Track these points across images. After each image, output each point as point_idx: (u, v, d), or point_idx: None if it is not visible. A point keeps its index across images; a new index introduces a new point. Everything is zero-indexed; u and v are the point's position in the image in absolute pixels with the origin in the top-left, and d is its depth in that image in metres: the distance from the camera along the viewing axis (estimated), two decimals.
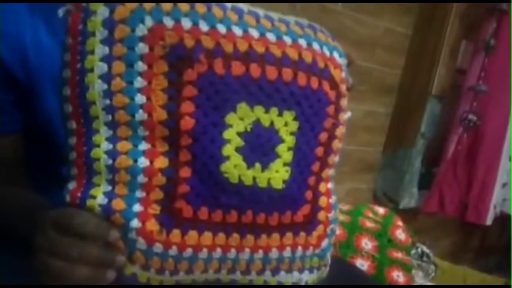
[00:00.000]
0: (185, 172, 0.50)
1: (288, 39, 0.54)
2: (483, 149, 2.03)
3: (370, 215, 1.35)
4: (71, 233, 0.46)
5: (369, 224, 1.28)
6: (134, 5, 0.47)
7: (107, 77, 0.47)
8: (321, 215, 0.59)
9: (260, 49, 0.51)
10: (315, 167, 0.57)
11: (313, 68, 0.55)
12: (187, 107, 0.48)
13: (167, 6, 0.48)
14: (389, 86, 2.05)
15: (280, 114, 0.53)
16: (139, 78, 0.47)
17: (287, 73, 0.53)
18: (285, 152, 0.54)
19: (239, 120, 0.51)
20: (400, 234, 1.29)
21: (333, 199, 0.61)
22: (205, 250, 0.52)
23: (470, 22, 2.04)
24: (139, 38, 0.47)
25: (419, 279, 1.25)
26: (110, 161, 0.48)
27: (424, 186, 2.13)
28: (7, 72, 0.62)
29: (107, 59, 0.47)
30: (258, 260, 0.55)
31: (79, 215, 0.47)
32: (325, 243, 0.60)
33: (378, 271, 1.16)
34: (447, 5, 1.96)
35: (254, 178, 0.52)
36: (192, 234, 0.51)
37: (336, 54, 0.59)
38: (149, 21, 0.47)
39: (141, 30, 0.47)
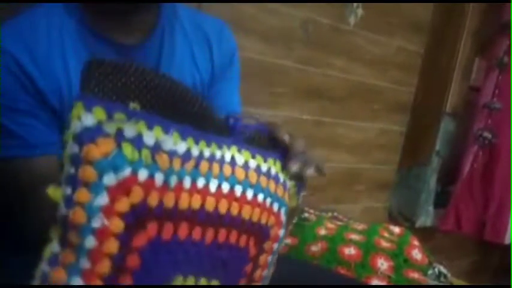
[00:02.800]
0: None
1: (238, 190, 0.52)
2: (499, 166, 2.01)
3: (386, 234, 1.34)
4: None
5: (385, 244, 1.27)
6: (110, 148, 0.41)
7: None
8: None
9: (210, 206, 0.49)
10: None
11: (246, 224, 0.54)
12: (126, 279, 0.44)
13: (148, 157, 0.43)
14: (403, 104, 2.05)
15: (208, 285, 0.52)
16: (90, 238, 0.42)
17: (222, 233, 0.51)
18: None
19: None
20: (417, 254, 1.28)
21: None
22: None
23: (482, 40, 2.04)
24: (105, 187, 0.41)
25: None
26: None
27: (440, 204, 2.10)
28: (42, 94, 0.65)
29: (68, 203, 0.42)
30: None
31: None
32: None
33: None
34: (459, 23, 1.97)
35: None
36: None
37: (282, 211, 0.58)
38: (123, 171, 0.42)
39: (109, 179, 0.41)
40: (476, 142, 2.02)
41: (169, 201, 0.45)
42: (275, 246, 0.59)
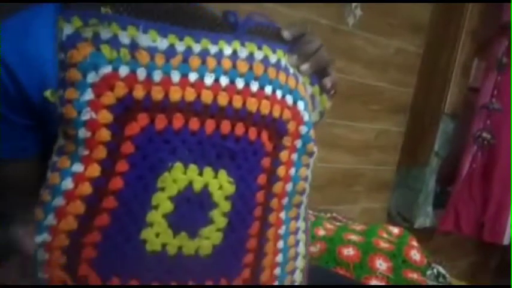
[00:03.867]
0: (94, 236, 0.48)
1: (239, 83, 0.53)
2: (498, 167, 2.01)
3: (385, 235, 1.34)
4: None
5: (383, 244, 1.27)
6: (88, 50, 0.48)
7: None
8: (265, 276, 0.56)
9: (206, 99, 0.51)
10: (254, 229, 0.55)
11: (254, 117, 0.53)
12: (122, 166, 0.48)
13: (126, 55, 0.48)
14: (402, 105, 2.05)
15: (215, 176, 0.51)
16: (83, 129, 0.48)
17: (225, 125, 0.52)
18: (219, 218, 0.52)
19: (172, 183, 0.49)
20: (415, 255, 1.27)
21: (280, 257, 0.58)
22: None
23: (481, 40, 2.04)
24: (89, 85, 0.47)
25: None
26: None
27: (439, 205, 2.10)
28: (25, 96, 0.63)
29: (61, 102, 0.48)
30: None
31: None
32: None
33: None
34: (458, 24, 1.97)
35: (180, 247, 0.50)
36: None
37: (300, 105, 0.57)
38: (104, 69, 0.48)
39: (92, 77, 0.48)
40: (475, 143, 2.02)
41: (157, 94, 0.48)
42: (298, 143, 0.57)
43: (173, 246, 0.50)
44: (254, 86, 0.53)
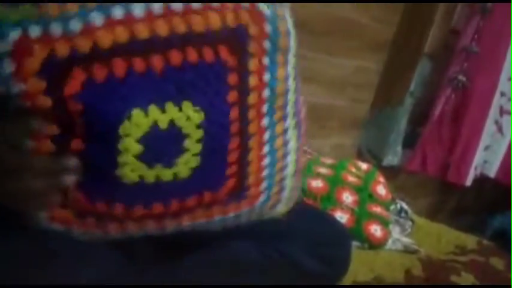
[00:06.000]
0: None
1: (177, 5, 0.47)
2: (469, 110, 2.04)
3: (353, 169, 1.36)
4: None
5: (351, 179, 1.30)
6: None
7: None
8: (251, 180, 0.56)
9: (142, 34, 0.45)
10: (233, 144, 0.53)
11: (205, 36, 0.48)
12: (77, 128, 0.46)
13: (31, 11, 0.42)
14: (382, 42, 2.02)
15: (180, 110, 0.48)
16: (19, 101, 0.44)
17: (175, 56, 0.47)
18: (193, 145, 0.50)
19: (136, 128, 0.47)
20: (381, 190, 1.31)
21: (267, 159, 0.57)
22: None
23: None
24: (4, 55, 0.42)
25: (396, 234, 1.28)
26: None
27: (408, 145, 2.14)
28: None
29: None
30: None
31: None
32: (259, 200, 0.59)
33: (356, 224, 1.18)
34: None
35: (157, 176, 0.49)
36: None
37: (262, 6, 0.52)
38: (13, 35, 0.42)
39: (3, 46, 0.42)
40: (450, 84, 2.03)
41: (82, 45, 0.44)
42: (266, 44, 0.52)
43: (150, 176, 0.49)
44: (196, 3, 0.48)
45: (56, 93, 0.44)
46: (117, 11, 0.45)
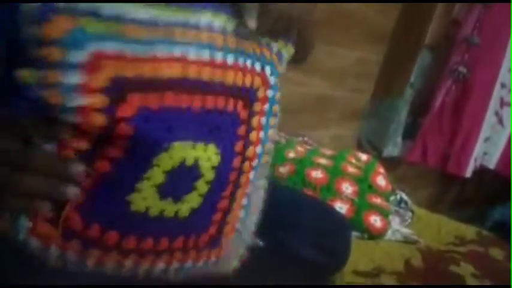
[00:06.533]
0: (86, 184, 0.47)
1: (218, 57, 0.51)
2: (470, 102, 2.04)
3: (353, 160, 1.36)
4: None
5: (351, 169, 1.29)
6: (67, 24, 0.40)
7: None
8: (227, 229, 0.59)
9: (192, 74, 0.48)
10: (227, 192, 0.57)
11: (232, 89, 0.53)
12: (118, 148, 0.46)
13: (113, 27, 0.43)
14: (382, 33, 2.01)
15: (205, 150, 0.51)
16: (72, 115, 0.43)
17: (209, 100, 0.51)
18: (202, 185, 0.53)
19: (169, 159, 0.48)
20: (381, 181, 1.31)
21: (242, 212, 0.61)
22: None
23: None
24: (76, 65, 0.41)
25: (395, 224, 1.28)
26: None
27: (408, 136, 2.14)
28: None
29: (41, 84, 0.42)
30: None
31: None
32: (225, 253, 0.61)
33: (356, 215, 1.18)
34: None
35: (162, 210, 0.50)
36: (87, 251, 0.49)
37: (267, 70, 0.58)
38: (91, 46, 0.42)
39: (77, 56, 0.41)
40: (451, 76, 2.02)
41: (147, 71, 0.45)
42: (266, 107, 0.59)
43: (156, 208, 0.50)
44: (230, 59, 0.53)
45: (110, 113, 0.44)
46: (177, 49, 0.47)
